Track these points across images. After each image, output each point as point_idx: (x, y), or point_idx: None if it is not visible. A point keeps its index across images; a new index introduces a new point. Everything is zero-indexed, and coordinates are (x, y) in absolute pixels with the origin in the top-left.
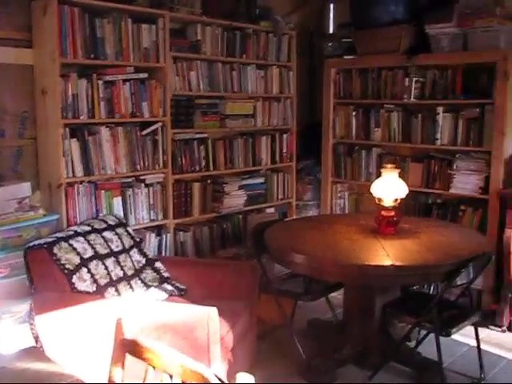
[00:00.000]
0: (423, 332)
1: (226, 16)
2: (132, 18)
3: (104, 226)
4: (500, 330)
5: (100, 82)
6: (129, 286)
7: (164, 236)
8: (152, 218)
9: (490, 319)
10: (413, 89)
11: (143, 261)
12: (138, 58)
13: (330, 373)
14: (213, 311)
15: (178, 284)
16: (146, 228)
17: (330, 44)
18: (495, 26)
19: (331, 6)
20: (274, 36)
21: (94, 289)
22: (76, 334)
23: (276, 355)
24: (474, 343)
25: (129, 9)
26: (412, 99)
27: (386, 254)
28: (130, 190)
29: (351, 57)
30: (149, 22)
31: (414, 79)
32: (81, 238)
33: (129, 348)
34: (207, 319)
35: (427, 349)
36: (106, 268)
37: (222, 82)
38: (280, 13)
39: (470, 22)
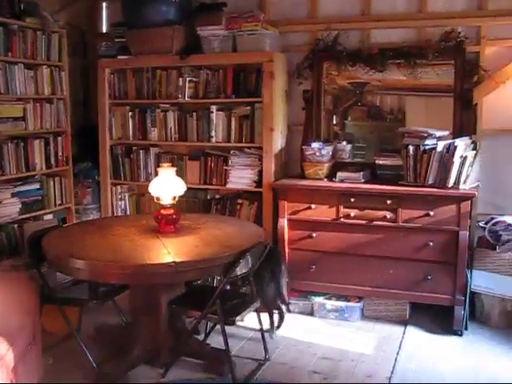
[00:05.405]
0: (212, 324)
1: None
2: None
3: None
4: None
5: None
6: None
7: None
8: None
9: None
10: (187, 88)
11: None
12: None
13: (122, 377)
14: None
15: None
16: None
17: (103, 43)
18: (260, 30)
19: (103, 4)
20: (42, 34)
21: None
22: None
23: (65, 367)
24: (258, 327)
25: None
26: (186, 98)
27: (167, 251)
28: None
29: (125, 57)
30: None
31: (188, 79)
32: None
33: None
34: None
35: (217, 339)
36: None
37: None
38: (48, 9)
39: (237, 25)
